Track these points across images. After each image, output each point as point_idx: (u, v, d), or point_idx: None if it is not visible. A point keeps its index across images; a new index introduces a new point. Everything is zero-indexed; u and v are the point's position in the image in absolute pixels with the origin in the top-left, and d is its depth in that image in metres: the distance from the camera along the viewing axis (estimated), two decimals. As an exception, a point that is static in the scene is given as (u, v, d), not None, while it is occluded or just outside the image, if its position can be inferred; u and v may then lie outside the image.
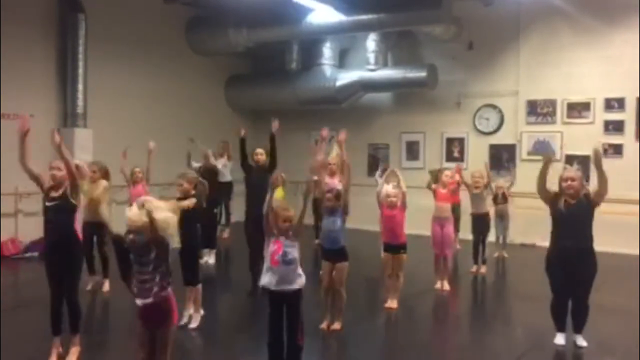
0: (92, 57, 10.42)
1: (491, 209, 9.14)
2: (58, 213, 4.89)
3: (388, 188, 6.59)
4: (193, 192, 5.82)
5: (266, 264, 4.54)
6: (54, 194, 4.93)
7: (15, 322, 6.06)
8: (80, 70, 10.29)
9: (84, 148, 10.29)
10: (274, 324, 4.52)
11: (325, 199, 5.68)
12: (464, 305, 7.65)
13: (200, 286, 5.90)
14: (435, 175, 8.15)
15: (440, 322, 6.95)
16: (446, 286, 7.64)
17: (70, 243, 4.94)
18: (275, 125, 7.26)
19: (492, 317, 7.03)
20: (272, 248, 4.49)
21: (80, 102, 10.33)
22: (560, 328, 5.57)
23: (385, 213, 6.57)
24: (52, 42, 10.29)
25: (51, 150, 10.49)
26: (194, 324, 5.83)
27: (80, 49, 10.25)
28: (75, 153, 10.18)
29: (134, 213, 3.61)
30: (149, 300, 3.70)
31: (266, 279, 4.51)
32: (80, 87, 10.30)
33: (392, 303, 6.66)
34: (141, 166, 8.35)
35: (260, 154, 7.25)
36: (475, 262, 8.68)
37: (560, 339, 5.54)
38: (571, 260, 5.28)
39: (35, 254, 9.35)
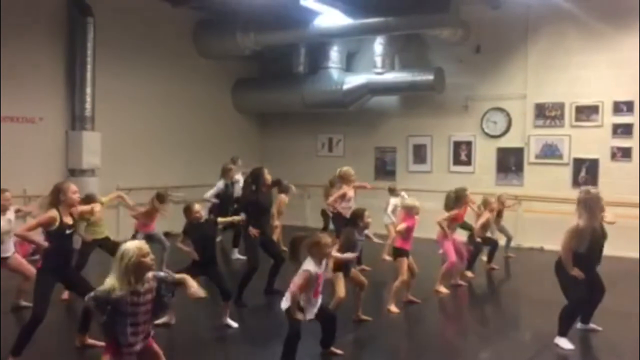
0: (101, 61, 10.48)
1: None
2: (73, 239, 5.05)
3: (415, 201, 7.14)
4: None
5: (306, 299, 4.76)
6: (69, 222, 4.97)
7: (17, 324, 6.06)
8: (89, 74, 10.34)
9: (92, 151, 10.36)
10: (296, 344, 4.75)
11: (366, 220, 6.11)
12: (471, 308, 7.62)
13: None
14: (454, 198, 8.03)
15: (447, 325, 6.94)
16: (462, 282, 8.10)
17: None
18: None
19: (499, 320, 7.01)
20: (317, 282, 4.77)
21: (88, 106, 10.38)
22: (567, 333, 5.59)
23: (412, 223, 6.88)
24: (61, 46, 10.35)
25: (59, 153, 10.60)
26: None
27: (89, 52, 10.31)
28: (83, 156, 10.29)
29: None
30: (146, 341, 3.70)
31: (310, 314, 4.82)
32: (88, 90, 10.36)
33: (413, 297, 7.07)
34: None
35: (269, 175, 7.29)
36: (470, 268, 8.64)
37: (570, 344, 5.54)
38: (593, 270, 5.61)
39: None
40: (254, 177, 7.22)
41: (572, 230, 5.42)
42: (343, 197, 8.19)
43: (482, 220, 8.63)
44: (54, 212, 4.87)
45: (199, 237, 6.08)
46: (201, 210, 6.26)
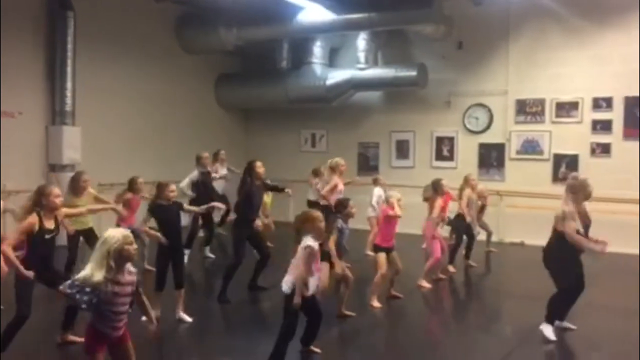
0: (81, 55, 10.35)
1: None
2: (55, 242, 4.99)
3: (396, 194, 7.01)
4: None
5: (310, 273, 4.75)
6: (49, 226, 4.89)
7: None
8: (69, 68, 10.21)
9: (73, 146, 10.26)
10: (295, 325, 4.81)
11: (351, 209, 6.18)
12: (453, 302, 7.69)
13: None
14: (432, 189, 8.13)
15: (430, 320, 7.00)
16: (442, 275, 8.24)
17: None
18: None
19: (481, 314, 7.07)
20: (316, 257, 4.78)
21: (69, 100, 10.25)
22: (554, 321, 5.69)
23: (394, 219, 6.82)
24: (41, 40, 10.21)
25: (39, 148, 10.45)
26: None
27: (69, 46, 10.17)
28: (63, 151, 10.17)
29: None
30: (122, 330, 3.69)
31: (313, 287, 4.80)
32: (69, 85, 10.22)
33: (395, 292, 7.06)
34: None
35: (262, 167, 7.26)
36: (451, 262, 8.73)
37: (553, 335, 5.63)
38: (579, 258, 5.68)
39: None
40: (247, 170, 7.18)
41: (566, 214, 5.46)
42: (334, 188, 8.20)
43: (464, 199, 8.68)
44: (33, 218, 4.81)
45: (165, 220, 6.05)
46: (176, 191, 6.20)
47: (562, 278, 5.59)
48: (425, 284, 7.70)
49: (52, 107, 10.30)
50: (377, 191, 9.63)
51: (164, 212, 6.04)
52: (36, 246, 4.84)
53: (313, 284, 4.80)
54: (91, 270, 3.51)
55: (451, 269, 8.57)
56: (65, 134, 10.20)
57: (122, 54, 11.32)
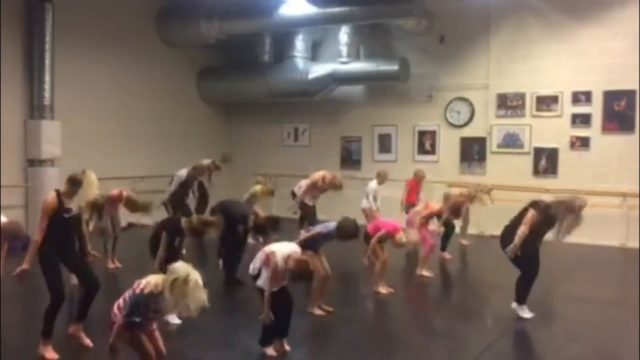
0: (60, 48, 10.21)
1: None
2: (74, 222, 5.07)
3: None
4: None
5: None
6: (68, 205, 4.97)
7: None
8: (47, 61, 10.07)
9: (52, 141, 10.12)
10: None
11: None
12: (433, 295, 7.73)
13: None
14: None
15: (411, 312, 7.03)
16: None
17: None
18: None
19: (462, 306, 7.11)
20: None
21: (47, 94, 10.11)
22: (525, 300, 6.03)
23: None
24: (18, 32, 10.04)
25: (17, 143, 10.26)
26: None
27: (47, 39, 10.03)
28: (42, 146, 10.03)
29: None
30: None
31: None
32: (47, 78, 10.08)
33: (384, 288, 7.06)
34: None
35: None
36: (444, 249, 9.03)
37: (529, 313, 5.98)
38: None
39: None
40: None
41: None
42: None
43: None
44: (52, 197, 4.90)
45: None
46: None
47: (526, 264, 5.96)
48: (425, 273, 7.89)
49: (31, 101, 10.15)
50: (373, 184, 9.73)
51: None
52: (55, 226, 4.88)
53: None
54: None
55: (447, 256, 8.92)
56: (44, 128, 10.06)
57: (101, 46, 11.19)
